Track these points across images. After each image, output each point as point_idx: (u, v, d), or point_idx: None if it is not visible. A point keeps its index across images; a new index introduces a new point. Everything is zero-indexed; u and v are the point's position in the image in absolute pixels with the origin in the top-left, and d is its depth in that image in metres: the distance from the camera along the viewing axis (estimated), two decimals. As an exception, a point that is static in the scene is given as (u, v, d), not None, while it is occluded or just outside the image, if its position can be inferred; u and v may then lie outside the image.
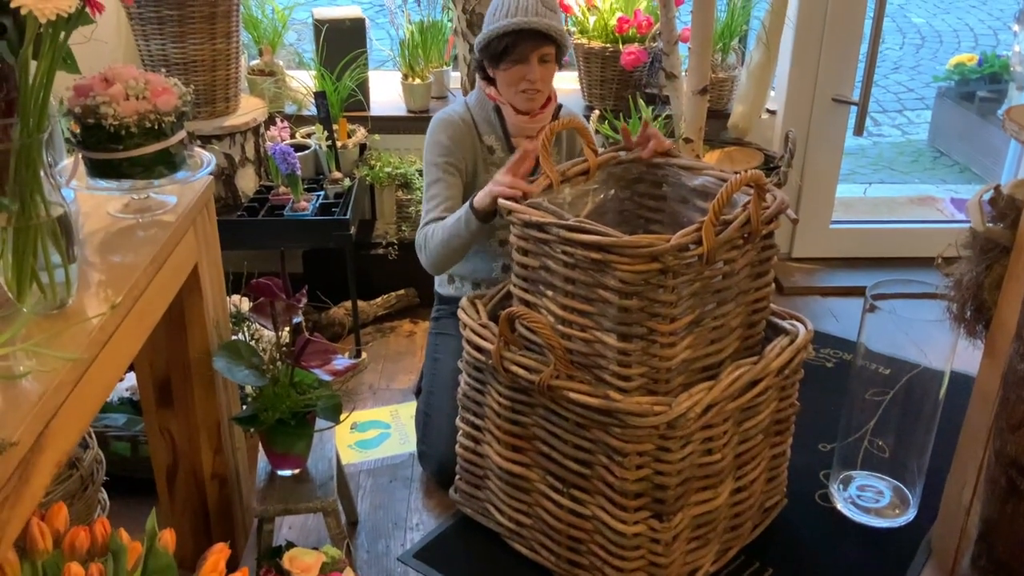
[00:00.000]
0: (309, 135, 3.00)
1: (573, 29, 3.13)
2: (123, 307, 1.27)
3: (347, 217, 2.64)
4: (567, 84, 3.32)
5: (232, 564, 1.38)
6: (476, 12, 2.67)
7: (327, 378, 1.77)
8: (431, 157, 2.20)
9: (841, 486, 2.19)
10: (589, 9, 3.12)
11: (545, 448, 1.86)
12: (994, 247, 1.70)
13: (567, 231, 1.65)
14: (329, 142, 2.88)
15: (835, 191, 3.38)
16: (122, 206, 1.56)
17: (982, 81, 4.94)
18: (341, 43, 3.00)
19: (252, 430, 1.88)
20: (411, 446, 2.38)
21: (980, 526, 1.80)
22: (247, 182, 2.82)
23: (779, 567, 1.99)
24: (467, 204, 2.01)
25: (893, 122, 5.84)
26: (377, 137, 3.09)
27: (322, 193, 2.79)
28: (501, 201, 1.80)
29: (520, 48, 2.05)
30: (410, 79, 3.12)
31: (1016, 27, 3.90)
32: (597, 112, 3.01)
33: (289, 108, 3.11)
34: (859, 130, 3.19)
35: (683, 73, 2.79)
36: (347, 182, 2.83)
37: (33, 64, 1.12)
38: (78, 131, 1.47)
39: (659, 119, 2.90)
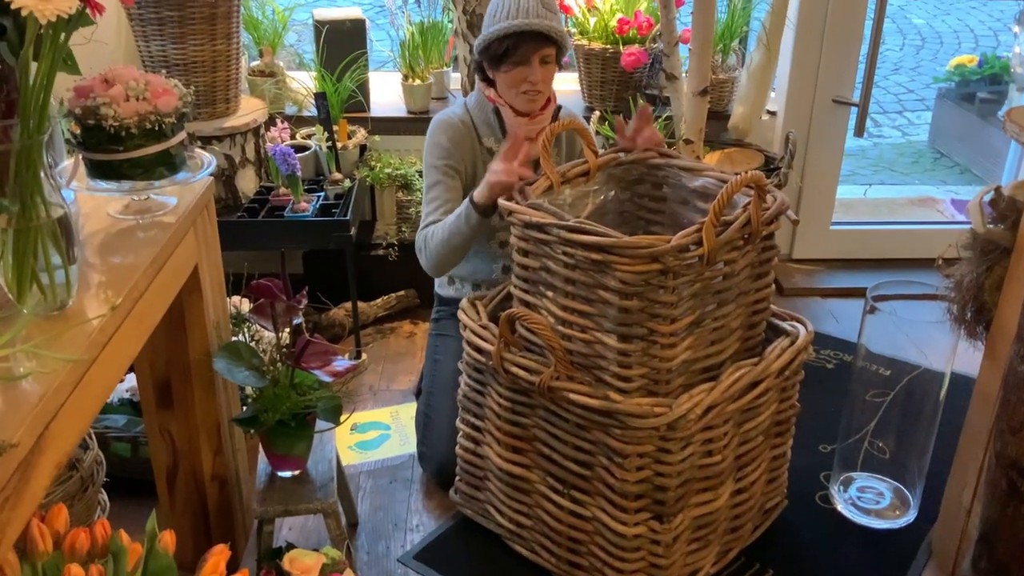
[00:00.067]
0: (309, 136, 3.00)
1: (573, 30, 3.13)
2: (123, 308, 1.27)
3: (347, 218, 2.64)
4: (567, 85, 3.32)
5: (232, 565, 1.38)
6: (476, 13, 2.67)
7: (327, 379, 1.77)
8: (431, 160, 2.19)
9: (841, 487, 2.19)
10: (589, 10, 3.12)
11: (545, 449, 1.86)
12: (994, 248, 1.70)
13: (567, 232, 1.64)
14: (329, 143, 2.88)
15: (835, 192, 3.38)
16: (122, 207, 1.56)
17: (982, 82, 4.94)
18: (341, 44, 3.00)
19: (252, 431, 1.87)
20: (411, 447, 2.38)
21: (980, 528, 1.79)
22: (247, 183, 2.82)
23: (779, 568, 1.99)
24: (467, 199, 2.02)
25: (893, 123, 5.84)
26: (377, 138, 3.09)
27: (322, 194, 2.79)
28: (502, 202, 1.80)
29: (521, 50, 2.05)
30: (410, 80, 3.12)
31: (1016, 28, 3.89)
32: (597, 113, 3.01)
33: (289, 109, 3.11)
34: (859, 131, 3.19)
35: (683, 74, 2.79)
36: (347, 183, 2.83)
37: (34, 65, 1.12)
38: (78, 132, 1.46)
39: (659, 120, 2.90)
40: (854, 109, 3.17)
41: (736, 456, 1.87)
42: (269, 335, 1.91)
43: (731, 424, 1.81)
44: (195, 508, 1.89)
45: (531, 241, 1.75)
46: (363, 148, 3.07)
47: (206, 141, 2.65)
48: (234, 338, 1.84)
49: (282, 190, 2.75)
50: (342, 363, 1.80)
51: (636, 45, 3.01)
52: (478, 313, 1.98)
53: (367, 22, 3.08)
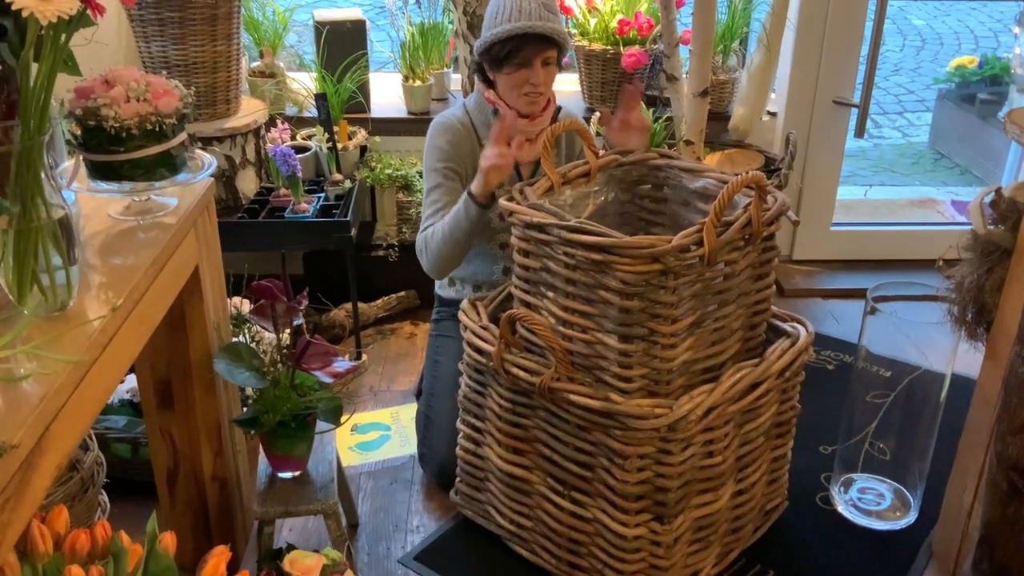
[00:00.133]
0: (310, 137, 3.00)
1: (574, 31, 3.13)
2: (124, 309, 1.27)
3: (348, 219, 2.64)
4: (568, 86, 3.32)
5: (232, 566, 1.38)
6: (477, 14, 2.67)
7: (328, 380, 1.77)
8: (430, 162, 2.19)
9: (842, 488, 2.19)
10: (590, 11, 3.12)
11: (546, 450, 1.86)
12: (995, 250, 1.70)
13: (568, 232, 1.64)
14: (330, 144, 2.88)
15: (836, 193, 3.38)
16: (123, 208, 1.56)
17: (983, 83, 4.94)
18: (342, 45, 3.00)
19: (253, 432, 1.87)
20: (412, 448, 2.38)
21: (981, 529, 1.79)
22: (248, 184, 2.82)
23: (780, 569, 1.99)
24: (464, 193, 2.02)
25: (894, 124, 5.84)
26: (378, 139, 3.09)
27: (323, 195, 2.79)
28: (502, 202, 1.80)
29: (524, 52, 2.04)
30: (411, 81, 3.12)
31: (1017, 29, 3.90)
32: (598, 114, 3.01)
33: (290, 110, 3.11)
34: (860, 132, 3.19)
35: (684, 75, 2.79)
36: (348, 184, 2.83)
37: (34, 66, 1.12)
38: (79, 133, 1.47)
39: (660, 121, 2.90)
40: (854, 110, 3.17)
41: (737, 457, 1.87)
42: (269, 336, 1.91)
43: (732, 425, 1.81)
44: (195, 509, 1.89)
45: (532, 242, 1.75)
46: (363, 149, 3.07)
47: (207, 142, 2.65)
48: (235, 339, 1.84)
49: (282, 191, 2.75)
50: (342, 364, 1.80)
51: (636, 46, 3.01)
52: (479, 314, 1.98)
53: (367, 23, 3.08)
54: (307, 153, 2.89)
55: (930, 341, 1.93)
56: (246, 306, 2.21)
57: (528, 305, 1.82)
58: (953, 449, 1.92)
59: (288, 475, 1.87)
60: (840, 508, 2.16)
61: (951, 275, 1.79)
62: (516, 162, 2.20)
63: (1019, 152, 3.39)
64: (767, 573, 1.98)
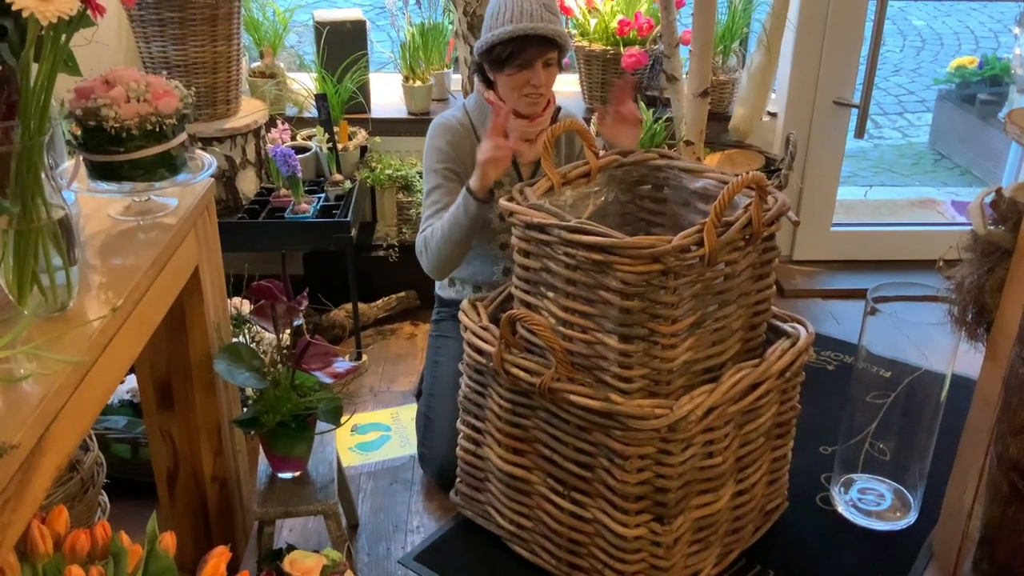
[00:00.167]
0: (310, 137, 3.00)
1: (574, 31, 3.13)
2: (124, 310, 1.27)
3: (348, 219, 2.64)
4: (568, 86, 3.32)
5: (233, 567, 1.38)
6: (477, 14, 2.67)
7: (328, 380, 1.77)
8: (430, 163, 2.19)
9: (842, 489, 2.19)
10: (590, 11, 3.12)
11: (546, 451, 1.86)
12: (995, 250, 1.70)
13: (568, 232, 1.64)
14: (330, 144, 2.88)
15: (836, 193, 3.38)
16: (123, 208, 1.56)
17: (983, 84, 4.94)
18: (342, 45, 3.00)
19: (253, 433, 1.87)
20: (412, 449, 2.38)
21: (981, 530, 1.79)
22: (248, 184, 2.82)
23: (780, 570, 1.99)
24: (463, 189, 2.03)
25: (894, 125, 5.84)
26: (378, 139, 3.09)
27: (323, 195, 2.79)
28: (502, 203, 1.80)
29: (526, 54, 2.04)
30: (411, 81, 3.12)
31: (1017, 30, 3.89)
32: (598, 114, 3.01)
33: (290, 110, 3.11)
34: (860, 133, 3.19)
35: (684, 76, 2.79)
36: (348, 184, 2.83)
37: (34, 67, 1.12)
38: (79, 133, 1.47)
39: (660, 121, 2.90)
40: (854, 110, 3.17)
41: (737, 458, 1.87)
42: (270, 336, 1.91)
43: (732, 425, 1.81)
44: (195, 509, 1.89)
45: (532, 242, 1.75)
46: (364, 149, 3.07)
47: (207, 142, 2.65)
48: (235, 339, 1.84)
49: (283, 191, 2.75)
50: (342, 364, 1.80)
51: (637, 46, 3.01)
52: (479, 314, 1.98)
53: (368, 23, 3.08)
54: (307, 153, 2.89)
55: (930, 342, 1.93)
56: (246, 306, 2.22)
57: (528, 305, 1.82)
58: (953, 450, 1.92)
59: (288, 475, 1.87)
60: (840, 508, 2.16)
61: (951, 275, 1.79)
62: (516, 162, 2.21)
63: (1019, 152, 3.39)
64: (767, 574, 1.98)
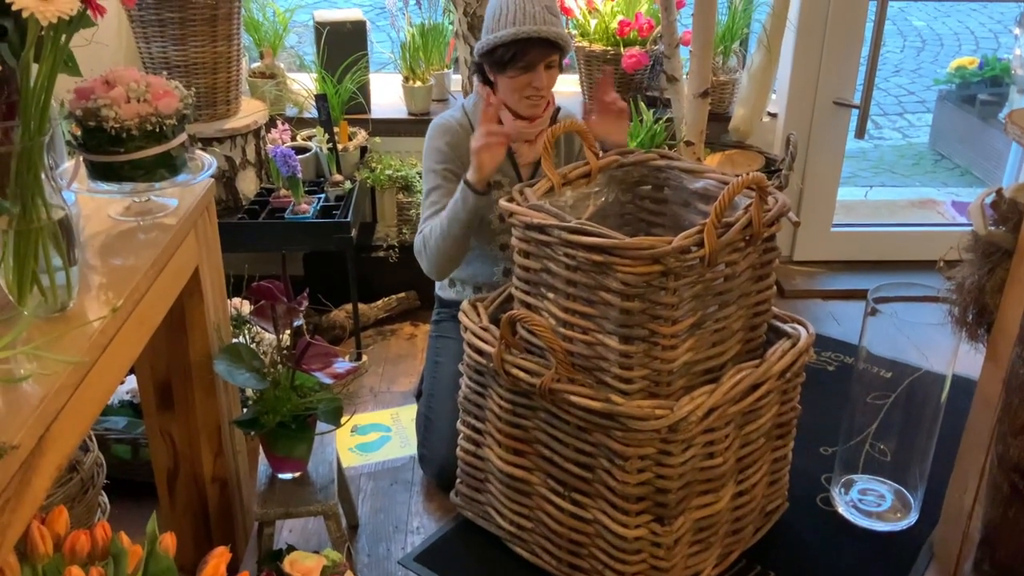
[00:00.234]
0: (310, 138, 3.00)
1: (574, 31, 3.13)
2: (124, 310, 1.27)
3: (348, 220, 2.64)
4: (568, 87, 3.32)
5: (233, 568, 1.38)
6: (477, 15, 2.67)
7: (328, 381, 1.77)
8: (429, 164, 2.19)
9: (843, 490, 2.19)
10: (590, 12, 3.12)
11: (546, 451, 1.86)
12: (996, 251, 1.70)
13: (569, 233, 1.64)
14: (330, 145, 2.88)
15: (836, 194, 3.37)
16: (123, 209, 1.56)
17: (983, 84, 4.93)
18: (342, 46, 3.00)
19: (253, 433, 1.87)
20: (412, 449, 2.38)
21: (982, 531, 1.79)
22: (248, 185, 2.82)
23: (781, 571, 1.99)
24: (461, 182, 2.03)
25: (894, 125, 5.84)
26: (378, 140, 3.08)
27: (323, 196, 2.79)
28: (503, 203, 1.79)
29: (529, 57, 2.04)
30: (411, 82, 3.12)
31: (1017, 30, 3.89)
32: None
33: (290, 111, 3.11)
34: (860, 133, 3.19)
35: (684, 76, 2.79)
36: (348, 185, 2.83)
37: (35, 67, 1.12)
38: (79, 134, 1.46)
39: (660, 122, 2.90)
40: (855, 111, 3.17)
41: (737, 458, 1.86)
42: (270, 337, 1.91)
43: (732, 426, 1.81)
44: (195, 510, 1.89)
45: (532, 243, 1.75)
46: (364, 150, 3.07)
47: (207, 143, 2.65)
48: (235, 340, 1.84)
49: (283, 192, 2.75)
50: (343, 365, 1.80)
51: (637, 47, 3.01)
52: (479, 315, 1.98)
53: (368, 24, 3.08)
54: (307, 154, 2.89)
55: (931, 342, 1.93)
56: (246, 307, 2.21)
57: (528, 306, 1.82)
58: (954, 450, 1.92)
59: (288, 476, 1.87)
60: (841, 509, 2.16)
61: (952, 276, 1.79)
62: (515, 163, 2.21)
63: (1020, 153, 3.38)
64: (767, 574, 1.98)
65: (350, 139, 3.00)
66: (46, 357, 1.10)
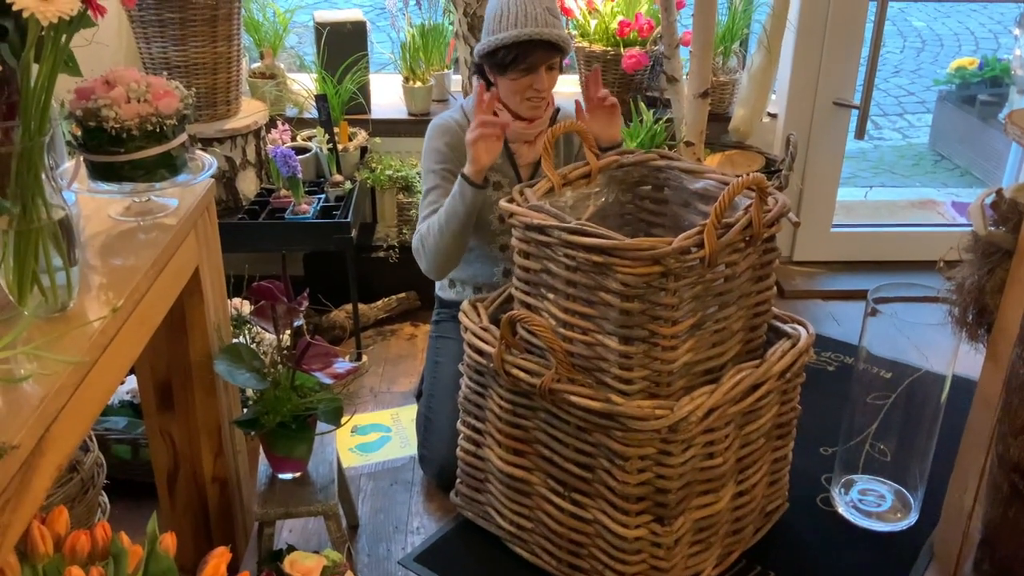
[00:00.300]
0: (310, 138, 3.00)
1: (574, 32, 3.13)
2: (124, 310, 1.27)
3: (348, 220, 2.64)
4: (568, 87, 3.32)
5: (233, 568, 1.38)
6: (477, 15, 2.67)
7: (328, 381, 1.77)
8: (428, 164, 2.19)
9: (843, 490, 2.19)
10: (590, 12, 3.12)
11: (546, 452, 1.86)
12: (996, 251, 1.70)
13: (568, 234, 1.64)
14: (330, 145, 2.88)
15: (836, 194, 3.37)
16: (123, 209, 1.56)
17: (983, 85, 4.94)
18: (342, 46, 3.00)
19: (253, 433, 1.87)
20: (412, 449, 2.38)
21: (982, 531, 1.80)
22: (248, 185, 2.82)
23: (781, 571, 1.99)
24: (459, 177, 2.03)
25: (894, 126, 5.84)
26: (378, 140, 3.09)
27: (323, 196, 2.79)
28: (503, 204, 1.80)
29: (530, 59, 2.03)
30: (411, 82, 3.12)
31: (1017, 31, 3.90)
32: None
33: (290, 111, 3.11)
34: (860, 134, 3.19)
35: (684, 76, 2.79)
36: (348, 185, 2.83)
37: (35, 67, 1.12)
38: (79, 134, 1.46)
39: (660, 122, 2.90)
40: (855, 111, 3.17)
41: (737, 458, 1.86)
42: (270, 337, 1.91)
43: (732, 426, 1.81)
44: (196, 510, 1.89)
45: (532, 243, 1.75)
46: (364, 150, 3.07)
47: (207, 143, 2.65)
48: (235, 340, 1.84)
49: (283, 192, 2.75)
50: (343, 365, 1.80)
51: (637, 47, 3.01)
52: (479, 315, 1.98)
53: (368, 24, 3.08)
54: (307, 154, 2.89)
55: (931, 342, 1.93)
56: (246, 307, 2.22)
57: (528, 307, 1.82)
58: (954, 451, 1.92)
59: (288, 476, 1.87)
60: (841, 509, 2.16)
61: (952, 276, 1.79)
62: (515, 163, 2.21)
63: (1020, 153, 3.39)
64: (768, 574, 1.98)
65: (350, 139, 3.00)
66: (46, 357, 1.10)
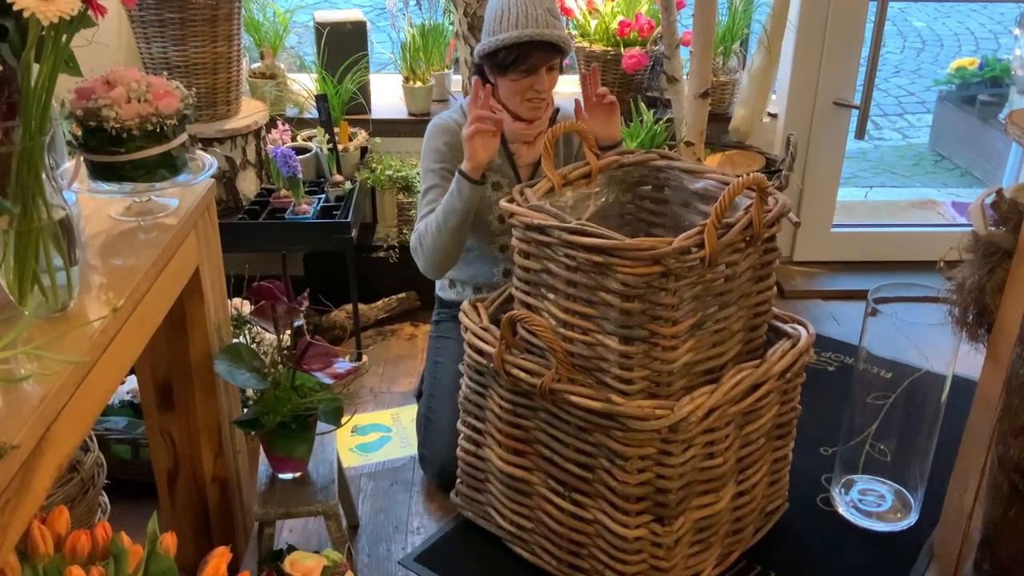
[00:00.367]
0: (310, 138, 3.00)
1: (574, 32, 3.13)
2: (124, 310, 1.27)
3: (348, 220, 2.64)
4: (568, 87, 3.31)
5: (233, 568, 1.38)
6: (477, 15, 2.67)
7: (328, 381, 1.77)
8: (427, 163, 2.19)
9: (843, 490, 2.19)
10: (590, 12, 3.12)
11: (546, 452, 1.86)
12: (996, 251, 1.70)
13: (569, 234, 1.64)
14: (330, 145, 2.88)
15: (836, 194, 3.38)
16: (123, 209, 1.56)
17: (983, 85, 4.94)
18: (342, 46, 3.00)
19: (253, 433, 1.87)
20: (412, 449, 2.38)
21: (982, 531, 1.80)
22: (248, 185, 2.82)
23: (781, 571, 1.99)
24: (456, 173, 2.03)
25: (894, 126, 5.84)
26: (378, 140, 3.09)
27: (323, 196, 2.79)
28: (503, 204, 1.80)
29: (531, 60, 2.03)
30: (411, 82, 3.12)
31: (1017, 31, 3.90)
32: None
33: (290, 111, 3.11)
34: (860, 134, 3.19)
35: (684, 77, 2.79)
36: (348, 185, 2.83)
37: (35, 67, 1.12)
38: (80, 134, 1.46)
39: (660, 122, 2.90)
40: (855, 111, 3.17)
41: (737, 459, 1.86)
42: (270, 337, 1.91)
43: (733, 426, 1.81)
44: (196, 510, 1.89)
45: (532, 243, 1.75)
46: (364, 150, 3.07)
47: (207, 143, 2.65)
48: (235, 340, 1.84)
49: (283, 192, 2.75)
50: (343, 365, 1.80)
51: (637, 47, 3.01)
52: (479, 315, 1.98)
53: (368, 24, 3.08)
54: (307, 154, 2.89)
55: (931, 343, 1.93)
56: (247, 307, 2.22)
57: (529, 307, 1.82)
58: (954, 451, 1.92)
59: (288, 476, 1.87)
60: (841, 509, 2.16)
61: (952, 276, 1.79)
62: (515, 164, 2.21)
63: (1020, 153, 3.39)
64: (768, 574, 1.98)
65: (350, 139, 3.00)
66: (46, 357, 1.10)
